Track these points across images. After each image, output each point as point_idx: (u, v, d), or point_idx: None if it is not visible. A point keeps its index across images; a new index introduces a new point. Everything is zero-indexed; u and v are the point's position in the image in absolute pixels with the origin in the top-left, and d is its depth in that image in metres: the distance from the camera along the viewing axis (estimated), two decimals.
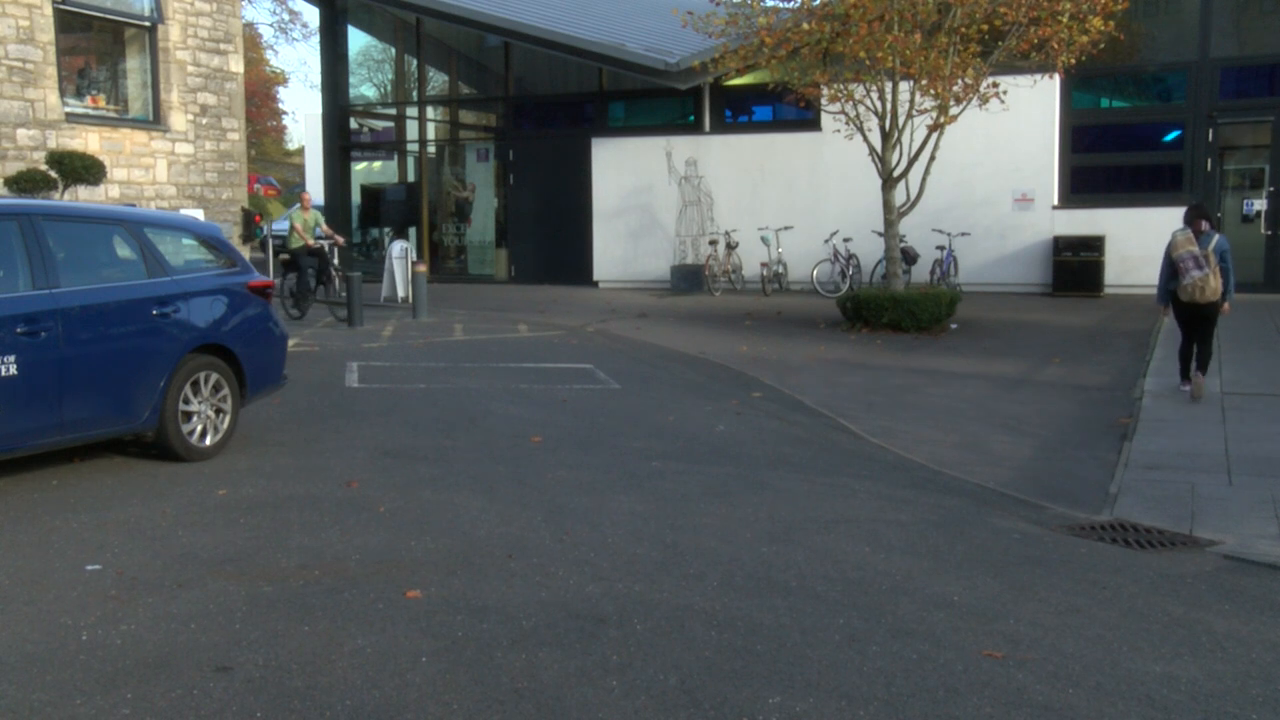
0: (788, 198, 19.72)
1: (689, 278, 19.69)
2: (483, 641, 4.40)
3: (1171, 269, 10.00)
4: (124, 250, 7.39)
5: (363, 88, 25.62)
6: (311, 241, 15.95)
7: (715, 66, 17.24)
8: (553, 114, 22.85)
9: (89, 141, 15.21)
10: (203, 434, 7.46)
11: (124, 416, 6.99)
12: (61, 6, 14.93)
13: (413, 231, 22.85)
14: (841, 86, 14.78)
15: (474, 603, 4.82)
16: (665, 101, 20.95)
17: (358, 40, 24.54)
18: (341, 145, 23.59)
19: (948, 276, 17.93)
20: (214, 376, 7.55)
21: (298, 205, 16.66)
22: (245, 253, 15.45)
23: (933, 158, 14.69)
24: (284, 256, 16.68)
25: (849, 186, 18.80)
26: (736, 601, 4.90)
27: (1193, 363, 10.04)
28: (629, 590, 5.02)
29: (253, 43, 47.81)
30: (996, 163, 18.44)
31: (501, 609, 4.75)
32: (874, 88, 14.72)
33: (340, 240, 16.97)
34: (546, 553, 5.54)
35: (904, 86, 14.66)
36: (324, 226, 16.48)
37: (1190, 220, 10.09)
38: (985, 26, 14.12)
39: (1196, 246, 9.87)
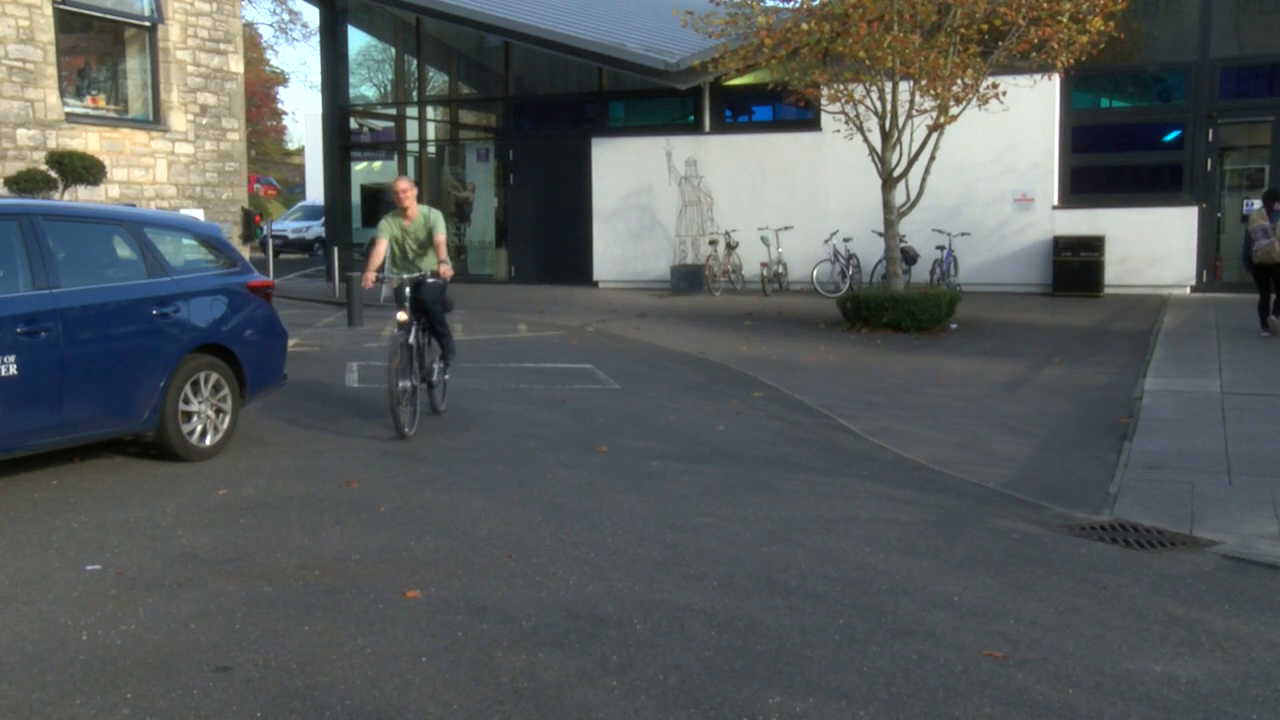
0: (788, 198, 19.72)
1: (689, 278, 19.69)
2: (483, 641, 4.40)
3: (1248, 239, 13.17)
4: (124, 250, 7.39)
5: (363, 88, 25.61)
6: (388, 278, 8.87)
7: (715, 66, 17.24)
8: (553, 114, 22.85)
9: (89, 141, 15.21)
10: (203, 434, 7.46)
11: (124, 416, 6.99)
12: (61, 6, 14.93)
13: None
14: (841, 86, 14.77)
15: (474, 603, 4.82)
16: (665, 101, 20.95)
17: (358, 40, 24.54)
18: (341, 145, 23.58)
19: (948, 276, 17.93)
20: (214, 376, 7.55)
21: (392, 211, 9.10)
22: (245, 253, 15.44)
23: (933, 158, 14.69)
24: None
25: (849, 186, 18.79)
26: (736, 601, 4.90)
27: (1270, 312, 13.24)
28: (629, 590, 5.02)
29: (253, 43, 47.82)
30: (997, 163, 18.44)
31: (501, 609, 4.75)
32: (874, 88, 14.72)
33: (445, 272, 8.78)
34: (546, 553, 5.54)
35: (904, 86, 14.66)
36: (438, 238, 8.85)
37: (1266, 202, 13.28)
38: (985, 27, 14.12)
39: (1267, 221, 12.93)
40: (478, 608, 4.76)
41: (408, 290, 8.64)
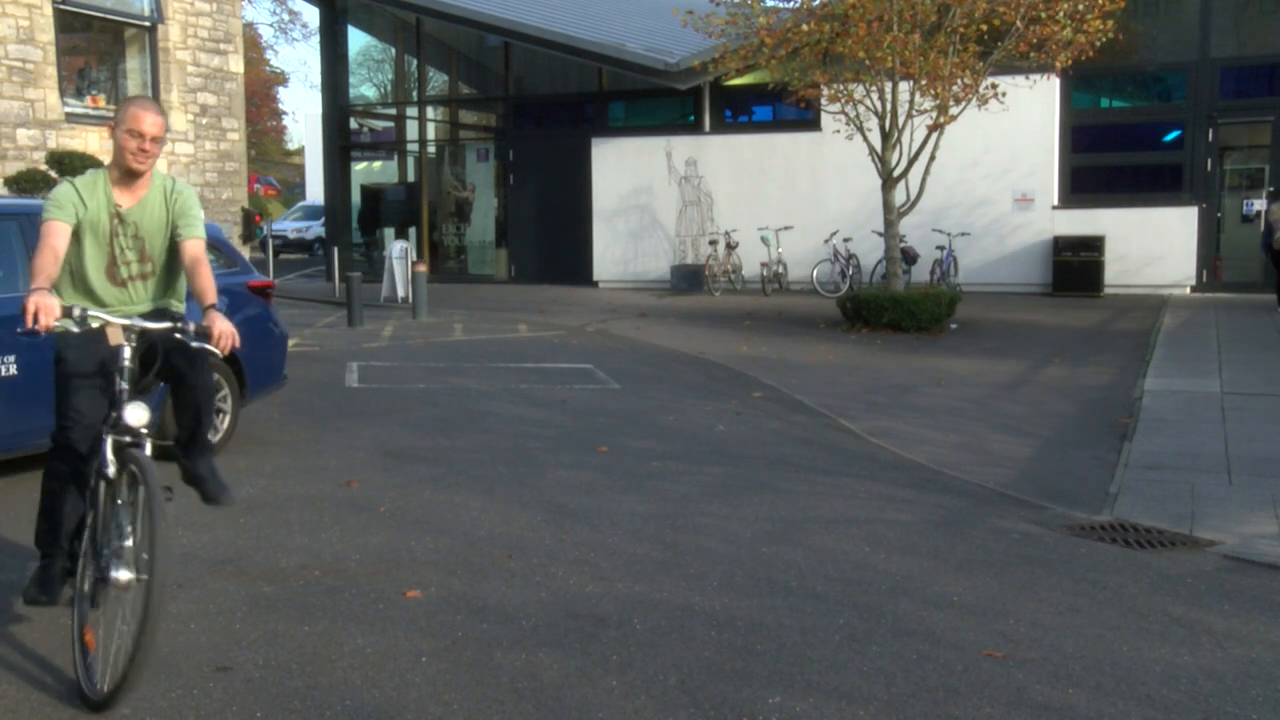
0: (788, 198, 19.72)
1: (689, 278, 19.69)
2: (483, 641, 4.40)
3: (1269, 228, 15.18)
4: None
5: (363, 88, 25.61)
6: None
7: (715, 66, 17.24)
8: (553, 114, 22.85)
9: (89, 141, 15.21)
10: None
11: None
12: (61, 6, 14.93)
13: (413, 231, 22.86)
14: (841, 87, 14.78)
15: (474, 603, 4.82)
16: (665, 101, 20.95)
17: (358, 40, 24.54)
18: (341, 145, 23.58)
19: (948, 276, 17.93)
20: (213, 376, 7.53)
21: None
22: (245, 253, 15.44)
23: (932, 158, 14.69)
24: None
25: (849, 186, 18.80)
26: (736, 601, 4.90)
27: None
28: (629, 590, 5.02)
29: (253, 43, 47.84)
30: (996, 163, 18.45)
31: (501, 609, 4.75)
32: (874, 88, 14.72)
33: (219, 331, 4.02)
34: (546, 553, 5.54)
35: (904, 86, 14.66)
36: (190, 246, 4.36)
37: (1278, 198, 15.46)
38: (984, 27, 14.12)
39: None
40: (478, 608, 4.76)
41: (127, 350, 4.06)
